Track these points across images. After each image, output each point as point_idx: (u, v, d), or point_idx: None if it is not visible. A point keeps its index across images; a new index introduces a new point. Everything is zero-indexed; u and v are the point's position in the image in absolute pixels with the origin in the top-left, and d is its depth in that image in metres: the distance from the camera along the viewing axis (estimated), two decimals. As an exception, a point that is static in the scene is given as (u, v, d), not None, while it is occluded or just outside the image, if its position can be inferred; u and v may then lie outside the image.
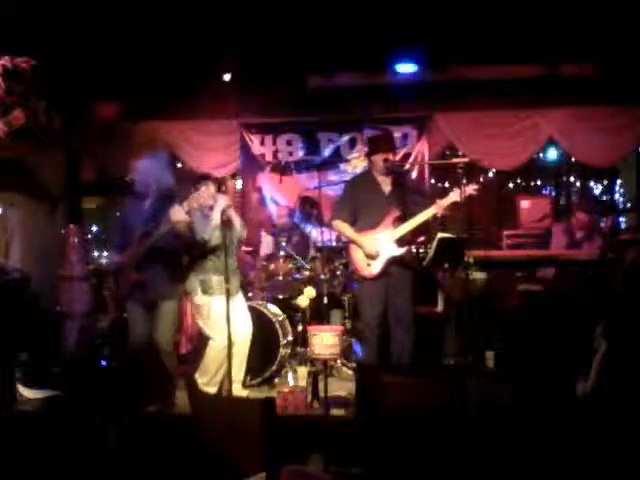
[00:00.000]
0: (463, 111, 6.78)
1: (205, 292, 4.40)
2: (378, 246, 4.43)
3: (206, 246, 4.37)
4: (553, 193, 7.74)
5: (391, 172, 4.57)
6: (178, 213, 4.04)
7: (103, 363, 5.37)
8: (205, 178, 4.47)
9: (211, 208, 4.27)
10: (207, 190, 4.16)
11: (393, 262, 4.44)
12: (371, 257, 4.44)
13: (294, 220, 6.31)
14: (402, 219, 4.44)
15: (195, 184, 4.31)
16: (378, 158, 4.52)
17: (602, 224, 6.45)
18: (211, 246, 4.38)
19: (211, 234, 4.36)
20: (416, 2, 5.02)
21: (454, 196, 4.35)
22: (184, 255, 4.48)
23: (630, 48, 5.59)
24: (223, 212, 4.06)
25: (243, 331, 4.55)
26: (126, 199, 4.61)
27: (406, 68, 6.20)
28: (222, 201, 4.23)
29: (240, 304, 4.60)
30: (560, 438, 3.26)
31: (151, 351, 4.28)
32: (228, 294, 3.95)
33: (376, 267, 4.43)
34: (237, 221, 4.41)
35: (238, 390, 4.55)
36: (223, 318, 4.23)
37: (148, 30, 5.19)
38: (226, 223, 4.09)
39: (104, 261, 4.78)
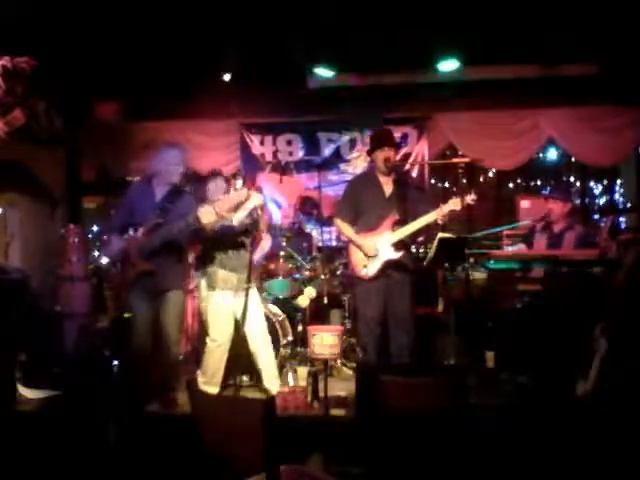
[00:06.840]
0: (463, 111, 6.78)
1: (209, 286, 4.37)
2: (376, 248, 4.43)
3: (219, 240, 4.28)
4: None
5: (392, 171, 4.57)
6: (207, 215, 3.88)
7: (103, 363, 5.35)
8: (217, 174, 4.41)
9: (236, 208, 3.94)
10: (241, 193, 3.85)
11: (390, 265, 4.44)
12: (369, 258, 4.44)
13: (297, 222, 6.29)
14: (401, 223, 4.44)
15: (208, 180, 4.29)
16: (379, 156, 4.52)
17: (602, 224, 6.43)
18: (219, 241, 4.29)
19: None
20: (416, 2, 5.02)
21: (454, 204, 4.37)
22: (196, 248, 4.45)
23: (630, 48, 5.60)
24: (254, 209, 3.91)
25: (255, 329, 4.37)
26: (136, 182, 4.53)
27: (406, 68, 6.19)
28: (256, 200, 3.92)
29: (252, 298, 4.29)
30: (560, 438, 3.26)
31: (156, 342, 4.26)
32: (219, 290, 3.89)
33: (372, 269, 4.43)
34: (262, 223, 4.30)
35: (275, 387, 4.43)
36: (220, 315, 4.27)
37: (148, 30, 5.20)
38: (251, 222, 4.00)
39: (104, 250, 4.65)
